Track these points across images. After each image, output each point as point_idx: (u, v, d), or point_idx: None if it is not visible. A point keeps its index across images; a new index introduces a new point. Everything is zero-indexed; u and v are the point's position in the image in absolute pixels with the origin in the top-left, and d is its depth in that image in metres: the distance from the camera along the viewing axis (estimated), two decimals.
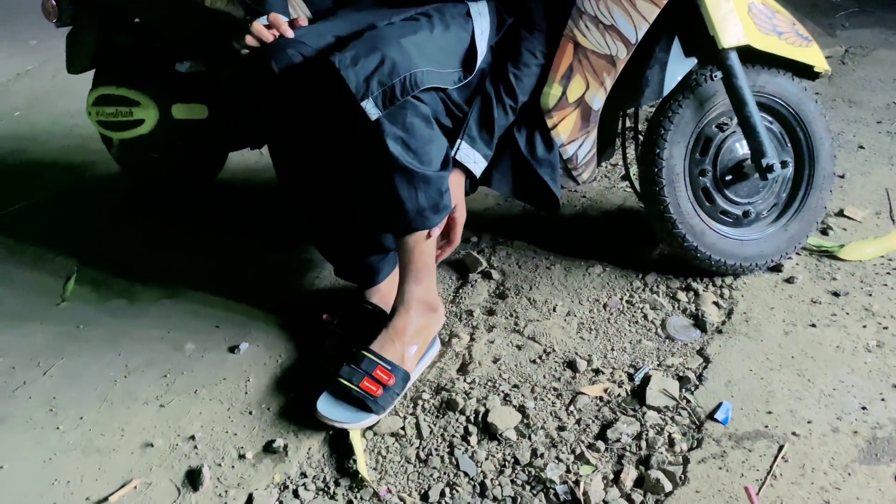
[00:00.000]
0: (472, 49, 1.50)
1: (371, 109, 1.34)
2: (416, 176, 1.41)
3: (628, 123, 1.94)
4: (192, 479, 1.36)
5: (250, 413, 1.50)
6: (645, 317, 1.72)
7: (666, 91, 1.61)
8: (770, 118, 1.74)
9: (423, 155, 1.42)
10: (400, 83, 1.34)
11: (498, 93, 1.53)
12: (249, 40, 1.43)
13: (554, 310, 1.74)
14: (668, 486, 1.31)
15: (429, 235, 1.50)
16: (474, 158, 1.54)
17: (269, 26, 1.44)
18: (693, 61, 1.64)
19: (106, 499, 1.32)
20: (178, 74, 1.88)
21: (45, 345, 1.69)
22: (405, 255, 1.51)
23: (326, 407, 1.43)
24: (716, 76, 1.65)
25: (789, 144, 1.78)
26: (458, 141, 1.52)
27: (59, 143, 2.64)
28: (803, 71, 1.75)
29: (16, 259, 2.00)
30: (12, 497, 1.33)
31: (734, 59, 1.60)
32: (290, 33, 1.42)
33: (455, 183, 1.53)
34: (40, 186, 2.35)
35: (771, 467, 1.33)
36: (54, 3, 1.93)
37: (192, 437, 1.44)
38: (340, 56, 1.33)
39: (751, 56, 1.66)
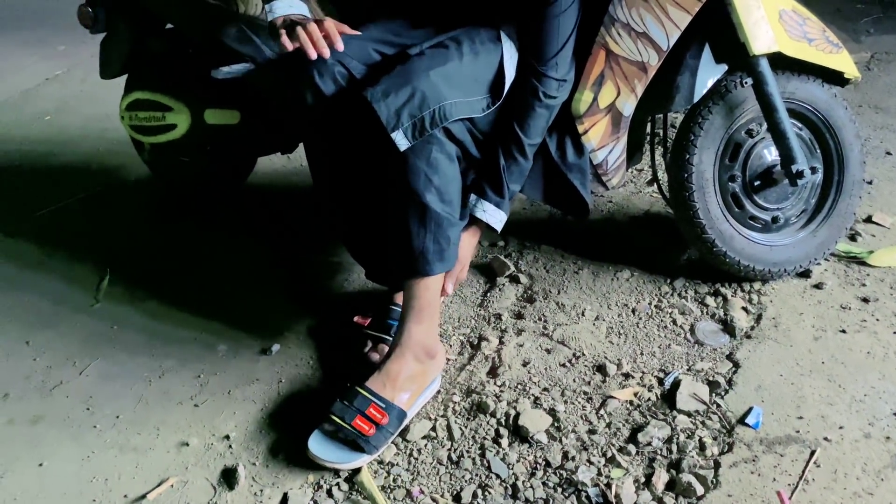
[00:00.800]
0: (500, 74, 1.49)
1: (401, 141, 1.38)
2: (429, 214, 1.42)
3: (656, 129, 1.95)
4: (228, 477, 1.38)
5: (283, 413, 1.52)
6: (674, 321, 1.72)
7: (696, 97, 1.61)
8: (800, 124, 1.74)
9: (445, 194, 1.43)
10: (430, 115, 1.37)
11: (506, 143, 1.52)
12: (287, 44, 1.39)
13: (583, 314, 1.75)
14: (699, 490, 1.32)
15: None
16: (495, 215, 1.55)
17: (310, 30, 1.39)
18: (723, 68, 1.64)
19: (144, 496, 1.34)
20: (211, 80, 1.90)
21: (80, 345, 1.72)
22: (407, 292, 1.50)
23: (318, 446, 1.39)
24: (746, 83, 1.66)
25: (818, 150, 1.78)
26: (482, 202, 1.53)
27: (89, 146, 2.67)
28: (833, 77, 1.75)
29: (49, 261, 2.03)
30: (53, 493, 1.36)
31: (765, 65, 1.60)
32: (341, 46, 1.40)
33: (468, 240, 1.55)
34: (72, 189, 2.38)
35: (803, 472, 1.33)
36: (90, 9, 1.96)
37: (227, 437, 1.46)
38: (372, 90, 1.37)
39: (781, 62, 1.67)
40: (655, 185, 2.06)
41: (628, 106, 1.59)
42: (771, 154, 1.74)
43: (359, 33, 1.49)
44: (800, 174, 1.65)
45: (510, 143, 1.52)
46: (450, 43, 1.48)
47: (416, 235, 1.44)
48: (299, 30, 1.39)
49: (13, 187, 2.42)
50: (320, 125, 1.48)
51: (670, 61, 1.59)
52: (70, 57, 3.52)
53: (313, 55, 1.38)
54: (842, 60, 1.71)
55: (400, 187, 1.43)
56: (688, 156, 1.69)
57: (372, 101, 1.36)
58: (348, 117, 1.44)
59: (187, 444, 1.45)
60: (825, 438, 1.40)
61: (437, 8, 1.56)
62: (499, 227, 1.57)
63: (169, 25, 2.02)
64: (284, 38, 1.40)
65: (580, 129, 1.59)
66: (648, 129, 1.90)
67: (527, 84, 1.50)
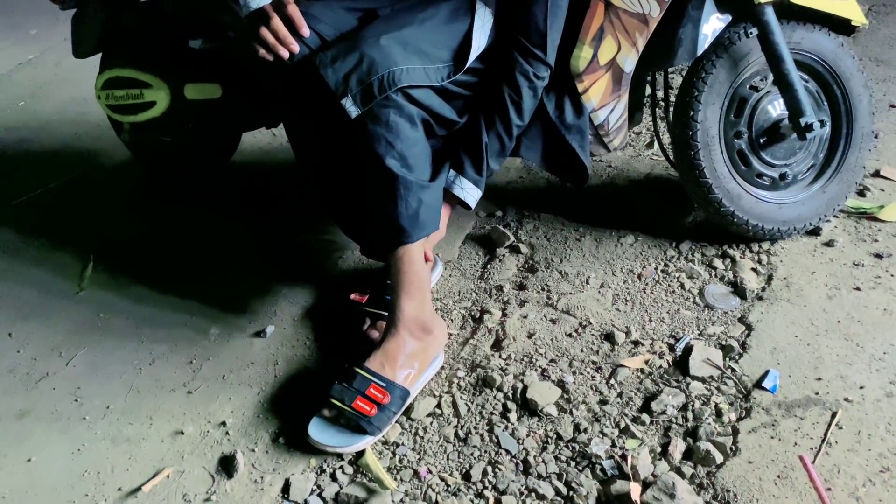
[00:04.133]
0: (466, 42, 1.43)
1: (350, 107, 1.35)
2: (396, 179, 1.37)
3: (655, 88, 1.88)
4: (226, 465, 1.32)
5: (281, 396, 1.46)
6: (681, 286, 1.66)
7: (700, 50, 1.54)
8: (806, 76, 1.68)
9: (409, 158, 1.39)
10: (378, 80, 1.33)
11: (490, 121, 1.48)
12: (262, 53, 1.37)
13: (587, 282, 1.69)
14: (719, 458, 1.27)
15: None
16: (472, 193, 1.52)
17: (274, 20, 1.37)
18: (727, 18, 1.57)
19: (139, 488, 1.28)
20: (189, 53, 1.81)
21: (65, 334, 1.65)
22: (392, 268, 1.43)
23: (318, 431, 1.33)
24: (751, 33, 1.59)
25: (826, 103, 1.72)
26: (460, 178, 1.50)
27: (66, 131, 2.58)
28: (839, 26, 1.68)
29: (30, 249, 1.95)
30: (44, 489, 1.29)
31: (770, 14, 1.54)
32: (306, 32, 1.38)
33: (442, 212, 1.50)
34: (50, 175, 2.29)
35: (825, 435, 1.29)
36: None
37: (223, 423, 1.40)
38: (322, 55, 1.35)
39: (785, 11, 1.59)
40: (657, 145, 1.99)
41: (629, 61, 1.52)
42: (777, 109, 1.68)
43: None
44: (809, 127, 1.59)
45: (495, 120, 1.47)
46: (416, 6, 1.43)
47: (387, 204, 1.39)
48: (263, 31, 1.36)
49: None
50: (293, 94, 1.42)
51: (671, 13, 1.52)
52: (42, 41, 3.40)
53: (285, 55, 1.37)
54: (848, 7, 1.64)
55: (363, 154, 1.39)
56: (692, 112, 1.62)
57: (320, 67, 1.33)
58: (312, 84, 1.38)
59: (182, 433, 1.39)
60: (846, 399, 1.35)
61: None
62: (473, 204, 1.53)
63: None
64: (262, 53, 1.37)
65: (580, 87, 1.52)
66: (648, 89, 1.83)
67: (515, 63, 1.44)
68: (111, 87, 1.90)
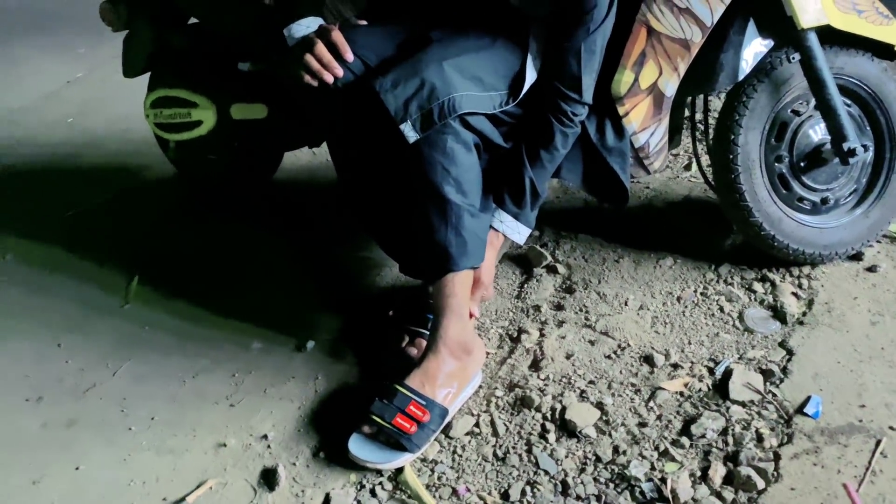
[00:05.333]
0: (521, 73, 1.44)
1: (409, 133, 1.35)
2: (449, 206, 1.39)
3: (695, 111, 1.89)
4: (268, 478, 1.34)
5: (321, 411, 1.48)
6: (721, 309, 1.66)
7: (741, 75, 1.55)
8: (849, 100, 1.67)
9: (463, 184, 1.40)
10: (438, 107, 1.34)
11: (532, 154, 1.49)
12: (308, 79, 1.40)
13: (626, 304, 1.69)
14: (760, 484, 1.26)
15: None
16: (519, 231, 1.54)
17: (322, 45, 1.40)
18: (769, 43, 1.57)
19: (183, 499, 1.31)
20: (236, 74, 1.86)
21: (112, 347, 1.69)
22: (437, 290, 1.45)
23: (359, 447, 1.35)
24: (793, 58, 1.59)
25: (868, 127, 1.71)
26: (500, 212, 1.52)
27: (113, 147, 2.65)
28: (882, 51, 1.67)
29: (77, 263, 2.00)
30: (91, 497, 1.33)
31: (813, 39, 1.54)
32: (350, 56, 1.41)
33: (490, 253, 1.51)
34: (97, 191, 2.35)
35: (869, 463, 1.27)
36: (112, 6, 1.93)
37: (265, 437, 1.42)
38: (382, 80, 1.36)
39: (828, 36, 1.59)
40: (696, 167, 2.00)
41: (671, 86, 1.53)
42: (818, 133, 1.67)
43: (367, 25, 1.48)
44: (851, 152, 1.58)
45: (535, 157, 1.49)
46: (469, 33, 1.44)
47: (438, 229, 1.40)
48: (308, 58, 1.39)
49: (39, 191, 2.39)
50: (339, 116, 1.45)
51: (713, 38, 1.52)
52: (90, 59, 3.50)
53: (329, 80, 1.39)
54: (892, 32, 1.63)
55: (417, 180, 1.40)
56: (732, 136, 1.62)
57: (380, 93, 1.34)
58: (365, 108, 1.40)
59: (225, 445, 1.41)
60: (890, 427, 1.34)
61: (466, 8, 1.51)
62: (520, 240, 1.55)
63: (192, 20, 1.98)
64: (308, 78, 1.40)
65: (621, 110, 1.53)
66: (687, 112, 1.84)
67: (552, 100, 1.45)
68: (159, 106, 1.96)
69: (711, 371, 1.50)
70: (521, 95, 1.44)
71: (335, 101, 1.43)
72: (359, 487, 1.32)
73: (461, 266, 1.42)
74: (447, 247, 1.40)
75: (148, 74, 2.06)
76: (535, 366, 1.54)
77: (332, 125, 1.50)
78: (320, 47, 1.40)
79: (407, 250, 1.62)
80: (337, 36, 1.41)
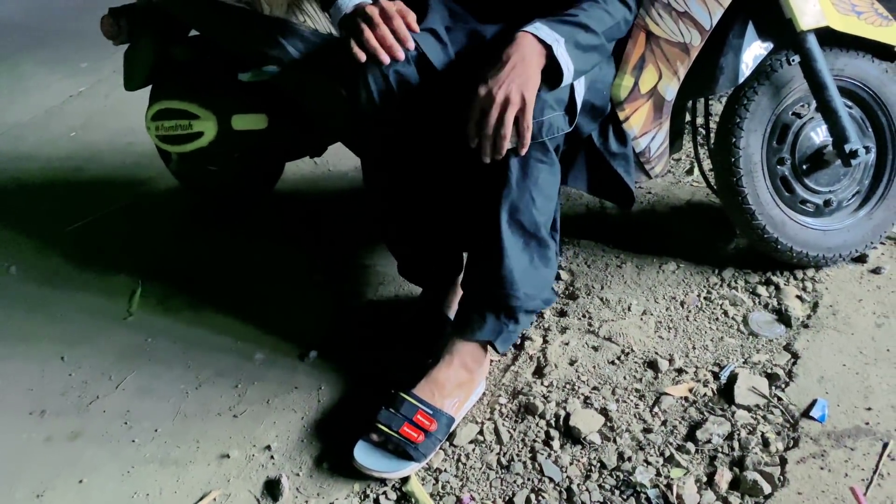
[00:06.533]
0: (572, 96, 1.35)
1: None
2: (528, 234, 1.34)
3: (696, 115, 1.88)
4: (271, 489, 1.33)
5: (324, 421, 1.47)
6: (725, 313, 1.65)
7: (741, 78, 1.54)
8: (850, 102, 1.66)
9: (543, 213, 1.35)
10: (538, 125, 1.27)
11: None
12: (359, 54, 1.30)
13: (629, 309, 1.69)
14: (766, 489, 1.25)
15: None
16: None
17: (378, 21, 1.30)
18: (768, 46, 1.57)
19: None
20: (236, 85, 1.87)
21: (115, 359, 1.69)
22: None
23: (364, 455, 1.34)
24: (793, 60, 1.59)
25: (870, 129, 1.70)
26: None
27: (116, 160, 2.66)
28: (883, 52, 1.67)
29: (80, 275, 2.01)
30: None
31: (813, 41, 1.53)
32: (411, 45, 1.31)
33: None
34: (101, 203, 2.36)
35: (877, 466, 1.26)
36: (114, 19, 1.94)
37: (268, 447, 1.42)
38: None
39: (828, 38, 1.59)
40: (698, 171, 1.99)
41: (670, 90, 1.53)
42: (820, 135, 1.67)
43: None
44: (853, 154, 1.58)
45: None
46: None
47: (514, 256, 1.35)
48: (367, 35, 1.29)
49: (43, 203, 2.41)
50: (382, 124, 1.37)
51: (713, 41, 1.52)
52: (92, 73, 3.52)
53: (387, 60, 1.30)
54: (893, 33, 1.63)
55: (493, 203, 1.32)
56: (734, 139, 1.62)
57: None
58: (419, 115, 1.35)
59: (228, 456, 1.41)
60: None
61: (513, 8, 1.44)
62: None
63: (193, 32, 1.99)
64: (357, 50, 1.30)
65: (621, 115, 1.53)
66: (688, 116, 1.84)
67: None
68: (161, 119, 1.96)
69: (716, 376, 1.49)
70: (576, 119, 1.35)
71: (374, 104, 1.34)
72: (362, 497, 1.31)
73: (531, 305, 1.43)
74: (522, 281, 1.37)
75: (150, 87, 2.07)
76: (539, 372, 1.54)
77: (366, 130, 1.41)
78: (384, 29, 1.30)
79: (417, 260, 1.60)
80: (399, 24, 1.31)
